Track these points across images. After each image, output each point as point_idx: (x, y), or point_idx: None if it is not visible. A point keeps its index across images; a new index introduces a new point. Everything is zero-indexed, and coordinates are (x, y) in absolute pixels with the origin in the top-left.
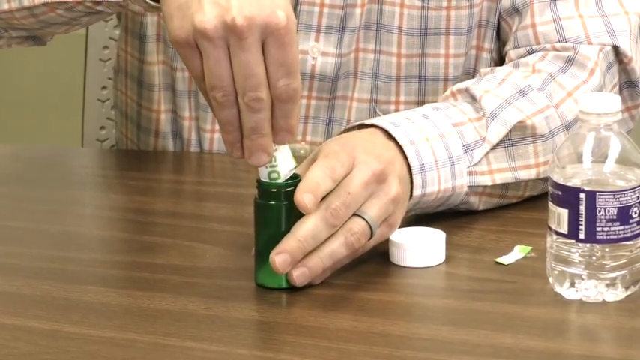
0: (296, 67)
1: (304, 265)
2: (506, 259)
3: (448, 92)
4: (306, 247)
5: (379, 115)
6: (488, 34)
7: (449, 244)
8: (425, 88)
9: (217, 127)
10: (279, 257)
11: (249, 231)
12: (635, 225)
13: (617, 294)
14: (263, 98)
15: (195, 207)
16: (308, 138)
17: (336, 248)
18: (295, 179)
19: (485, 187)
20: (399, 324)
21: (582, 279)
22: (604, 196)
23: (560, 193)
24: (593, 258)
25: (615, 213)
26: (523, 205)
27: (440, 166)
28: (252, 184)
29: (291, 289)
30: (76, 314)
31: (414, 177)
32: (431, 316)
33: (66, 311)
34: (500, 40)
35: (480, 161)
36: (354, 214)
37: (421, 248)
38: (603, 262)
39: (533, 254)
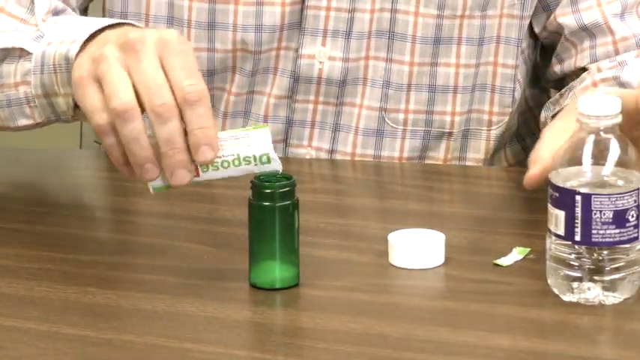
0: (197, 71)
1: None
2: (504, 261)
3: (589, 82)
4: None
5: (387, 124)
6: (510, 51)
7: (448, 246)
8: (435, 98)
9: None
10: None
11: (247, 232)
12: (632, 228)
13: (616, 297)
14: (169, 103)
15: (193, 208)
16: (314, 143)
17: None
18: (289, 179)
19: None
20: (397, 325)
21: (580, 281)
22: (600, 199)
23: (557, 194)
24: (591, 261)
25: (611, 216)
26: (521, 206)
27: None
28: (249, 185)
29: (284, 289)
30: (74, 316)
31: None
32: (429, 318)
33: (64, 313)
34: (557, 56)
35: None
36: None
37: (420, 250)
38: (601, 264)
39: (531, 256)
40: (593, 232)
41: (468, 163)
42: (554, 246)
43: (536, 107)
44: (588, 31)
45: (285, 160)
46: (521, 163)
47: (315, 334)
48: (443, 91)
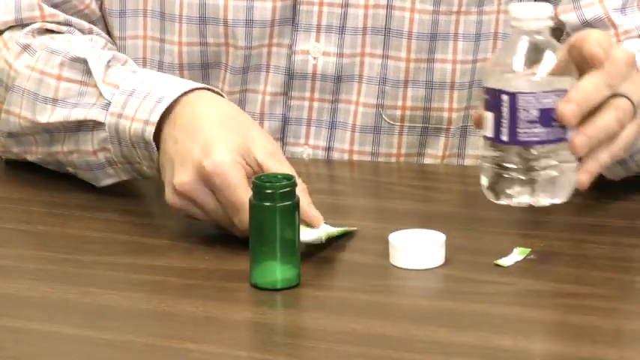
0: (238, 205)
1: (584, 134)
2: (505, 261)
3: None
4: (590, 100)
5: (384, 120)
6: None
7: (448, 246)
8: (432, 94)
9: None
10: (567, 106)
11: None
12: (559, 128)
13: (548, 198)
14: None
15: None
16: (311, 141)
17: (610, 121)
18: (290, 180)
19: None
20: (398, 326)
21: (512, 184)
22: (525, 97)
23: (487, 97)
24: (520, 162)
25: (537, 115)
26: (522, 207)
27: None
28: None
29: (285, 290)
30: (75, 316)
31: None
32: (430, 318)
33: (65, 313)
34: None
35: None
36: (617, 94)
37: (421, 250)
38: (530, 165)
39: (532, 256)
40: (519, 130)
41: (467, 160)
42: (485, 151)
43: None
44: (590, 27)
45: None
46: None
47: (316, 334)
48: (440, 87)
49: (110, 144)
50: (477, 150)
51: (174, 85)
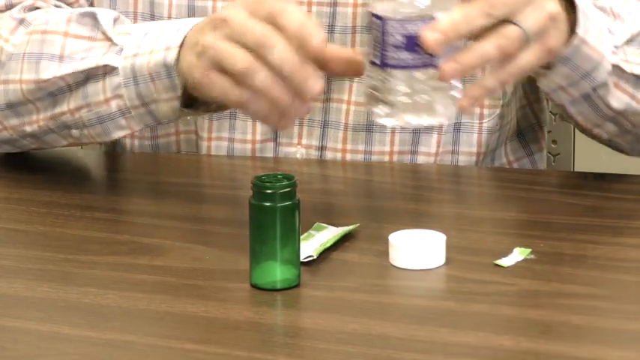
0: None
1: (455, 61)
2: (505, 262)
3: None
4: (459, 29)
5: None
6: None
7: (449, 247)
8: None
9: (214, 134)
10: (430, 34)
11: (247, 233)
12: (426, 54)
13: (413, 121)
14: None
15: (194, 209)
16: (304, 141)
17: (487, 49)
18: (291, 180)
19: (622, 72)
20: (398, 326)
21: (386, 105)
22: (392, 23)
23: (369, 20)
24: (392, 82)
25: (402, 41)
26: (522, 206)
27: (595, 24)
28: (249, 185)
29: (285, 290)
30: (75, 316)
31: (578, 15)
32: (430, 318)
33: (65, 313)
34: None
35: (620, 46)
36: (509, 21)
37: (421, 250)
38: (398, 87)
39: (532, 256)
40: (387, 54)
41: (461, 157)
42: (366, 72)
43: (536, 102)
44: None
45: (276, 160)
46: (521, 159)
47: (317, 334)
48: None
49: (124, 88)
50: (470, 147)
51: (189, 20)
